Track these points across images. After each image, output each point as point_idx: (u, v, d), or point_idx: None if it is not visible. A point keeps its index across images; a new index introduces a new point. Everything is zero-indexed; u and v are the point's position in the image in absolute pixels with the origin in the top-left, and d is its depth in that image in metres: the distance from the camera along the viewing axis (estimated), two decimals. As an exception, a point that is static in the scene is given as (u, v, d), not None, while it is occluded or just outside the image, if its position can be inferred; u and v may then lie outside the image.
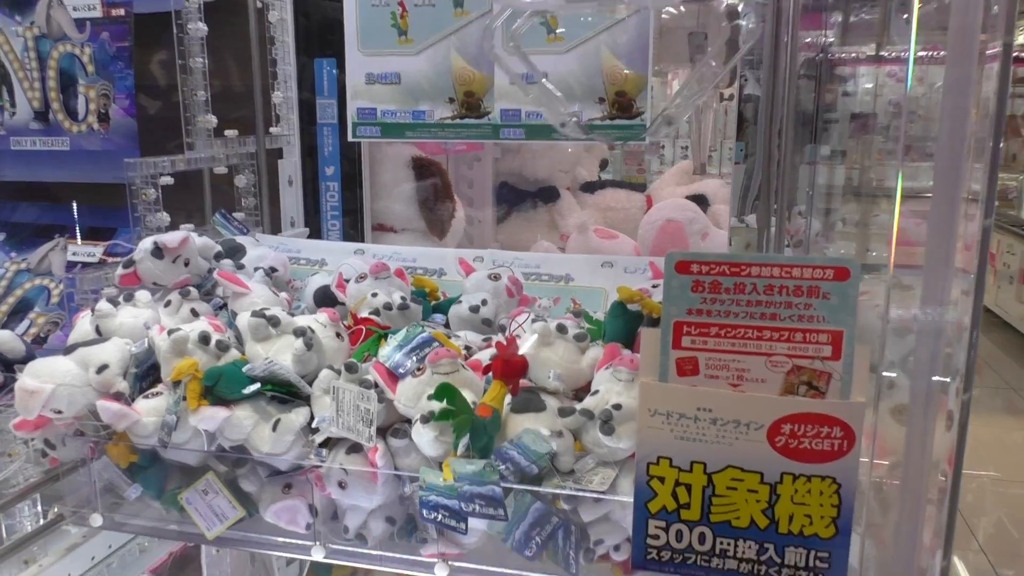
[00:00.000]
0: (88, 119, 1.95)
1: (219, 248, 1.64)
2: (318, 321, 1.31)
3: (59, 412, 1.26)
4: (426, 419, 1.11)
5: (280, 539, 1.25)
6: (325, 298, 1.61)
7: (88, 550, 1.44)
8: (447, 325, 1.57)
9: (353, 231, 2.22)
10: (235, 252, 1.72)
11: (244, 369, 1.22)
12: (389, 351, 1.23)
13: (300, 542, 1.24)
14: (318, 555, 1.21)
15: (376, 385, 1.19)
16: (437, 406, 1.12)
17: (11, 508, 1.34)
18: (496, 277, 1.60)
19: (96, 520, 1.31)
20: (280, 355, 1.25)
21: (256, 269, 1.65)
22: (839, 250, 1.74)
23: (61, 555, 1.39)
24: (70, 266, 1.98)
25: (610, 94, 1.64)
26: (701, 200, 2.76)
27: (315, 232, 2.19)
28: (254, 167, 1.94)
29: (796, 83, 1.83)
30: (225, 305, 1.55)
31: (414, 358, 1.21)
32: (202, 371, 1.22)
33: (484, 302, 1.54)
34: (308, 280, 1.70)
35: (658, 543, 0.79)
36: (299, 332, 1.25)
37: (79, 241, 2.02)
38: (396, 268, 1.60)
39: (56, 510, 1.34)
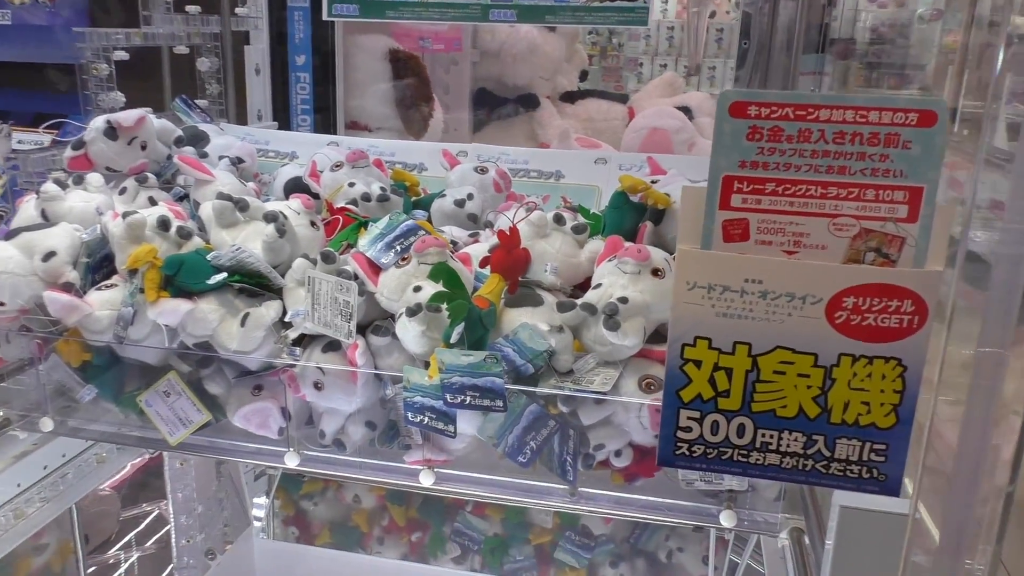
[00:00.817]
0: (31, -10, 1.75)
1: (180, 132, 1.50)
2: (291, 208, 1.19)
3: (0, 304, 1.14)
4: (413, 311, 1.00)
5: (250, 445, 1.15)
6: (296, 189, 1.48)
7: (39, 458, 1.33)
8: (429, 221, 1.45)
9: (325, 128, 2.07)
10: (198, 140, 1.58)
11: (209, 257, 1.10)
12: (370, 240, 1.12)
13: (272, 448, 1.14)
14: (292, 462, 1.12)
15: (356, 277, 1.08)
16: (425, 297, 1.01)
17: (-51, 410, 1.23)
18: (483, 170, 1.47)
19: (46, 425, 1.20)
20: (249, 243, 1.13)
21: (221, 158, 1.51)
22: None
23: (8, 463, 1.29)
24: (15, 155, 1.82)
25: (611, -29, 1.49)
26: (686, 112, 2.66)
27: (284, 128, 2.03)
28: (219, 50, 1.77)
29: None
30: (187, 196, 1.41)
31: (398, 247, 1.10)
32: (161, 259, 1.10)
33: (470, 196, 1.42)
34: (278, 172, 1.56)
35: (690, 436, 0.70)
36: (270, 217, 1.12)
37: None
38: (374, 159, 1.47)
39: (1, 414, 1.23)
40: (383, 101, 2.16)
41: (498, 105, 2.80)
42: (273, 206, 1.18)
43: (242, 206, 1.14)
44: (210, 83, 1.79)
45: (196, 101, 1.75)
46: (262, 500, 2.05)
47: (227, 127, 1.71)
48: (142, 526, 3.06)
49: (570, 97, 2.90)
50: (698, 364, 0.68)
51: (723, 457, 0.70)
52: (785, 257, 0.65)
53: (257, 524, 2.02)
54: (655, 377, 1.01)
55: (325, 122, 2.07)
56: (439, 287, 0.99)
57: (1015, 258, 0.64)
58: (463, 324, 0.96)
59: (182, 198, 1.42)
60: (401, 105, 2.19)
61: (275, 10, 1.93)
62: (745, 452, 0.69)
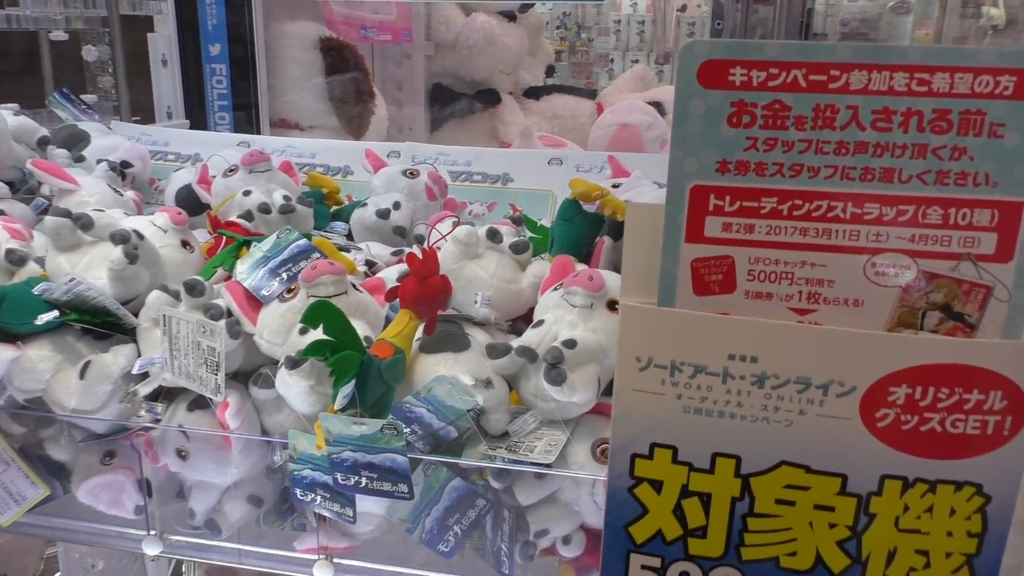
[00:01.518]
0: None
1: (45, 132, 1.24)
2: (154, 224, 0.94)
3: None
4: (294, 362, 0.76)
5: (102, 527, 0.90)
6: (189, 200, 1.23)
7: None
8: (350, 236, 1.21)
9: (248, 127, 1.82)
10: (75, 141, 1.33)
11: (37, 290, 0.85)
12: (250, 266, 0.88)
13: (127, 531, 0.89)
14: (152, 549, 0.87)
15: (229, 313, 0.83)
16: (309, 339, 0.77)
17: None
18: (414, 174, 1.23)
19: None
20: (93, 270, 0.88)
21: (99, 162, 1.26)
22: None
23: None
24: None
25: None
26: (657, 107, 2.51)
27: (200, 127, 1.78)
28: (108, 37, 1.51)
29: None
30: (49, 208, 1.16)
31: (283, 275, 0.86)
32: (-22, 293, 0.85)
33: (396, 205, 1.18)
34: (171, 177, 1.32)
35: (646, 595, 0.46)
36: (119, 238, 0.87)
37: None
38: (283, 161, 1.23)
39: None
40: (315, 96, 1.92)
41: (456, 101, 2.65)
42: (132, 222, 0.93)
43: (84, 223, 0.89)
44: (101, 75, 1.54)
45: (83, 96, 1.49)
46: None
47: (117, 126, 1.46)
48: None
49: (535, 93, 2.80)
50: (657, 487, 0.44)
51: None
52: (795, 318, 0.41)
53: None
54: (613, 441, 0.78)
55: (248, 120, 1.82)
56: (318, 334, 0.75)
57: None
58: (352, 383, 0.72)
59: (44, 211, 1.17)
60: (336, 100, 1.95)
61: (183, -8, 1.68)
62: None
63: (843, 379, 0.41)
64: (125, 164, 1.30)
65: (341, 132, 1.97)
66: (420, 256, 0.81)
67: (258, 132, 1.81)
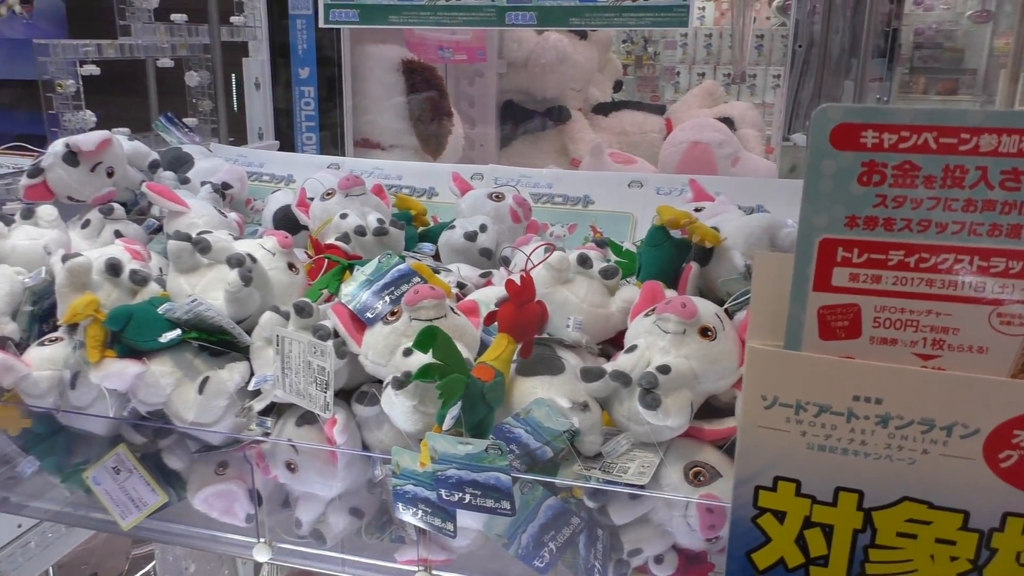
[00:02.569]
0: (8, 1, 1.60)
1: (155, 156, 1.32)
2: (264, 247, 1.00)
3: (-72, 362, 0.96)
4: (400, 383, 0.80)
5: (215, 533, 0.96)
6: (288, 220, 1.30)
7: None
8: (437, 256, 1.26)
9: (333, 147, 1.89)
10: (180, 163, 1.41)
11: (161, 310, 0.91)
12: (355, 288, 0.92)
13: (239, 538, 0.95)
14: (262, 556, 0.93)
15: (336, 334, 0.88)
16: (418, 363, 0.81)
17: None
18: (499, 197, 1.28)
19: (-18, 501, 1.02)
20: (210, 291, 0.94)
21: (204, 184, 1.33)
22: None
23: (-49, 539, 1.11)
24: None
25: (648, -34, 1.29)
26: (727, 123, 2.49)
27: (288, 147, 1.86)
28: (210, 63, 1.60)
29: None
30: (161, 228, 1.24)
31: (387, 298, 0.90)
32: (105, 311, 0.91)
33: (483, 228, 1.22)
34: (268, 198, 1.38)
35: (765, 621, 0.49)
36: (234, 261, 0.93)
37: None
38: (374, 184, 1.28)
39: (-66, 487, 1.05)
40: (396, 116, 1.98)
41: (526, 118, 2.68)
42: (242, 245, 0.99)
43: (203, 247, 0.95)
44: (201, 99, 1.62)
45: (184, 119, 1.58)
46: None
47: (217, 148, 1.54)
48: (152, 565, 2.92)
49: (603, 109, 2.79)
50: (780, 517, 0.47)
51: None
52: (920, 364, 0.43)
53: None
54: (705, 465, 0.80)
55: (332, 140, 1.90)
56: (428, 358, 0.79)
57: None
58: (460, 404, 0.76)
59: (156, 231, 1.25)
60: (416, 121, 2.01)
61: (276, 19, 1.76)
62: None
63: (967, 421, 0.43)
64: (226, 185, 1.38)
65: (420, 151, 2.02)
66: (518, 283, 0.85)
67: (342, 151, 1.88)
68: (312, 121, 1.85)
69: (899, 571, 0.46)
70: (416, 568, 0.88)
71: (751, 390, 0.46)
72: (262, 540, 0.93)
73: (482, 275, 1.14)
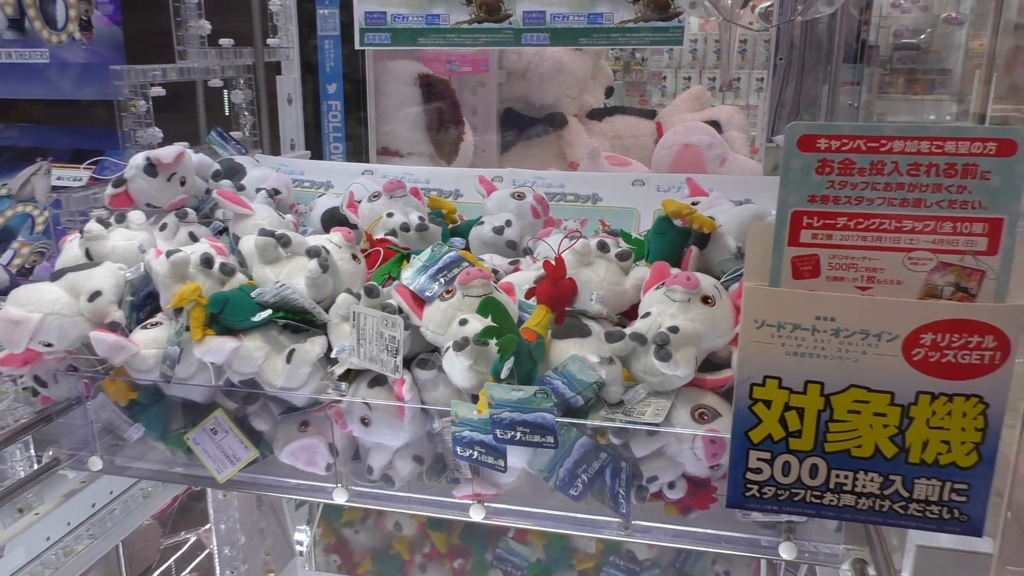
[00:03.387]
0: (69, 27, 1.77)
1: (217, 167, 1.50)
2: (332, 242, 1.18)
3: (49, 345, 1.14)
4: (460, 346, 0.99)
5: (298, 481, 1.14)
6: (334, 220, 1.48)
7: (88, 496, 1.34)
8: (467, 249, 1.44)
9: (357, 155, 2.08)
10: (234, 172, 1.59)
11: (253, 294, 1.10)
12: (413, 273, 1.11)
13: (321, 484, 1.13)
14: (340, 498, 1.11)
15: (400, 310, 1.07)
16: (471, 331, 1.00)
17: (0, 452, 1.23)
18: (520, 196, 1.46)
19: (96, 464, 1.20)
20: (292, 278, 1.13)
21: (258, 190, 1.51)
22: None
23: (59, 502, 1.29)
24: (55, 191, 1.84)
25: (645, -9, 1.48)
26: (715, 126, 2.64)
27: (316, 156, 2.04)
28: (252, 82, 1.78)
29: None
30: (226, 230, 1.42)
31: (441, 280, 1.09)
32: (206, 297, 1.10)
33: (508, 223, 1.41)
34: (314, 203, 1.56)
35: (760, 477, 0.68)
36: (313, 252, 1.12)
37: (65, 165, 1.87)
38: (411, 187, 1.47)
39: (51, 454, 1.23)
40: (414, 126, 2.16)
41: (525, 125, 2.79)
42: (315, 240, 1.18)
43: (284, 242, 1.14)
44: (243, 114, 1.80)
45: (231, 133, 1.76)
46: (304, 528, 2.05)
47: (262, 158, 1.72)
48: (181, 552, 3.07)
49: (597, 114, 2.88)
50: (768, 404, 0.66)
51: (795, 499, 0.68)
52: (859, 293, 0.63)
53: (300, 554, 2.01)
54: (708, 407, 0.99)
55: (356, 149, 2.08)
56: (487, 321, 0.98)
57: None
58: (513, 359, 0.95)
59: (221, 232, 1.43)
60: (431, 129, 2.19)
61: (306, 40, 1.94)
62: (818, 493, 0.67)
63: (890, 330, 0.63)
64: (275, 191, 1.55)
65: (435, 158, 2.21)
66: (553, 264, 1.03)
67: (367, 159, 2.06)
68: (339, 132, 2.03)
69: (849, 437, 0.65)
70: (471, 501, 1.07)
71: (747, 315, 0.66)
72: (340, 485, 1.12)
73: (511, 263, 1.32)
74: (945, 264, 0.61)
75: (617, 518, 1.04)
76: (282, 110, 1.95)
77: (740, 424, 0.68)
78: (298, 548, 2.05)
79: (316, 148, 2.05)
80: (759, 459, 0.68)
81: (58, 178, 1.81)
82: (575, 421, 0.99)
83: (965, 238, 0.61)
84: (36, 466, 1.26)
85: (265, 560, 1.97)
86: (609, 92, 3.32)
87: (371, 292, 1.08)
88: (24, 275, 1.72)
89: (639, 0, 1.49)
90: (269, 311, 1.08)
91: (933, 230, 0.62)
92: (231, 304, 1.10)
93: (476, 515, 1.07)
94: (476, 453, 1.01)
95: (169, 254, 1.12)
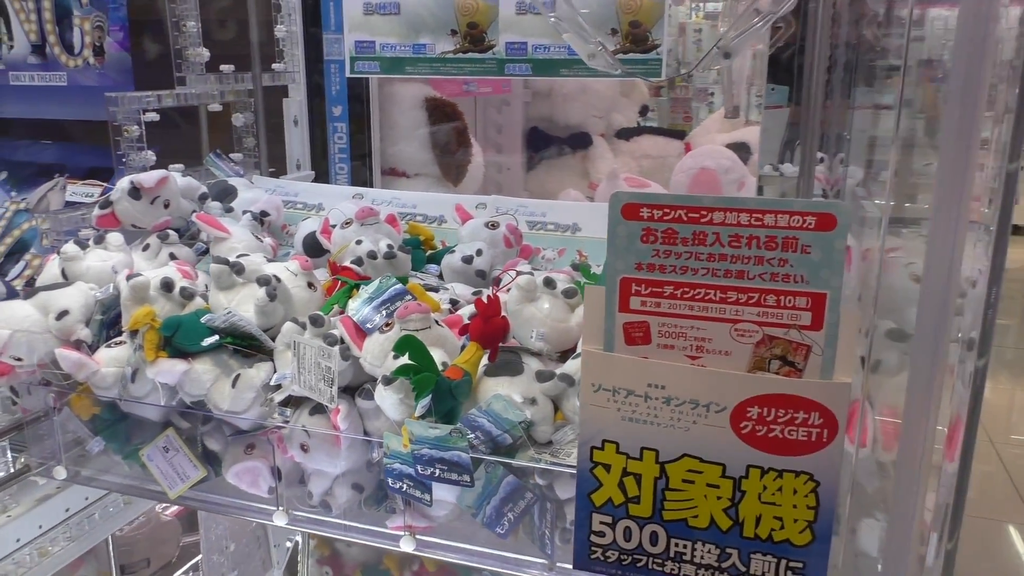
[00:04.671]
0: (84, 53, 1.86)
1: (204, 189, 1.55)
2: (288, 269, 1.21)
3: (19, 359, 1.19)
4: (388, 380, 1.00)
5: (244, 502, 1.17)
6: (314, 245, 1.51)
7: (61, 501, 1.39)
8: (441, 277, 1.46)
9: (362, 176, 2.12)
10: (225, 194, 1.63)
11: (203, 319, 1.13)
12: (358, 304, 1.13)
13: (263, 506, 1.16)
14: (280, 520, 1.13)
15: (342, 341, 1.09)
16: (400, 363, 1.02)
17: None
18: (494, 225, 1.47)
19: (60, 473, 1.25)
20: (243, 305, 1.16)
21: (245, 212, 1.55)
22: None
23: (31, 506, 1.34)
24: (69, 207, 1.92)
25: (623, 24, 1.48)
26: (743, 148, 2.61)
27: (323, 176, 2.09)
28: (252, 106, 1.83)
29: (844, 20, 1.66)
30: (208, 251, 1.46)
31: (383, 312, 1.11)
32: (159, 320, 1.14)
33: (479, 252, 1.42)
34: (299, 225, 1.60)
35: (604, 541, 0.68)
36: (262, 281, 1.15)
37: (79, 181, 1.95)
38: (388, 214, 1.49)
39: (22, 460, 1.29)
40: (420, 148, 2.19)
41: (550, 145, 2.80)
42: (270, 268, 1.21)
43: (238, 269, 1.17)
44: (245, 137, 1.86)
45: (232, 154, 1.82)
46: (297, 538, 2.09)
47: (258, 180, 1.77)
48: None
49: (626, 134, 2.87)
50: (607, 468, 0.66)
51: (638, 564, 0.68)
52: (688, 362, 0.62)
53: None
54: (633, 451, 0.98)
55: (362, 170, 2.12)
56: (404, 359, 0.99)
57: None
58: (429, 397, 0.96)
59: (204, 253, 1.47)
60: (438, 151, 2.22)
61: (313, 63, 1.99)
62: (660, 561, 0.67)
63: (718, 402, 0.62)
64: (264, 214, 1.59)
65: (443, 179, 2.23)
66: (486, 301, 1.04)
67: (371, 180, 2.10)
68: (344, 153, 2.07)
69: (685, 507, 0.64)
70: (402, 532, 1.08)
71: (586, 379, 0.65)
72: (281, 508, 1.14)
73: (473, 293, 1.34)
74: (771, 337, 0.60)
75: (542, 559, 1.04)
76: (288, 132, 2.00)
77: (583, 486, 0.67)
78: (276, 565, 2.09)
79: (323, 167, 2.09)
80: (602, 522, 0.68)
81: (72, 194, 1.89)
82: (500, 460, 1.00)
83: (789, 311, 0.60)
84: (11, 470, 1.33)
85: (256, 569, 2.02)
86: (644, 111, 3.30)
87: (316, 322, 1.10)
88: (31, 286, 1.80)
89: (618, 32, 1.49)
90: (216, 337, 1.12)
91: (757, 302, 0.60)
92: (183, 328, 1.13)
93: (406, 546, 1.08)
94: (405, 486, 1.02)
95: (130, 278, 1.17)
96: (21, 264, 1.87)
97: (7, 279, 1.82)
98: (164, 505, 2.34)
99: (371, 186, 2.08)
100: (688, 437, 0.63)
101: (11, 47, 1.95)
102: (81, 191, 1.91)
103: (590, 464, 0.67)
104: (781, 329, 0.60)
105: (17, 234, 1.92)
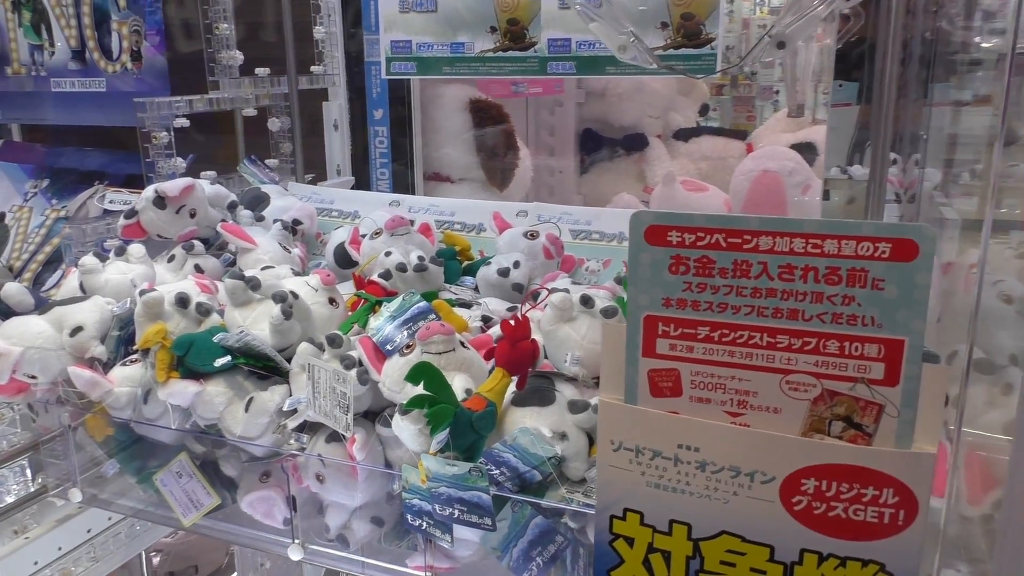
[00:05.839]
0: (122, 58, 1.83)
1: (233, 197, 1.49)
2: (308, 284, 1.14)
3: (34, 377, 1.15)
4: (404, 410, 0.91)
5: (259, 533, 1.10)
6: (344, 256, 1.44)
7: (83, 522, 1.34)
8: (477, 290, 1.37)
9: (403, 180, 2.04)
10: (258, 202, 1.58)
11: (216, 339, 1.06)
12: (380, 323, 1.05)
13: (277, 538, 1.08)
14: (295, 555, 1.06)
15: (360, 363, 1.01)
16: (420, 390, 0.93)
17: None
18: (533, 235, 1.38)
19: (75, 495, 1.20)
20: (259, 323, 1.09)
21: (275, 221, 1.49)
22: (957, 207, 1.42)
23: (51, 527, 1.30)
24: (106, 215, 1.89)
25: (675, 17, 1.36)
26: (808, 148, 2.46)
27: (364, 181, 2.02)
28: (289, 110, 1.77)
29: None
30: (236, 262, 1.40)
31: (406, 332, 1.02)
32: (171, 339, 1.07)
33: (516, 264, 1.32)
34: (331, 234, 1.53)
35: (627, 627, 0.57)
36: (278, 298, 1.07)
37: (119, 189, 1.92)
38: (422, 223, 1.41)
39: (40, 481, 1.24)
40: (464, 151, 2.11)
41: (604, 146, 2.71)
42: (291, 283, 1.13)
43: (254, 285, 1.10)
44: (282, 142, 1.80)
45: (268, 160, 1.76)
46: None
47: (293, 186, 1.71)
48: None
49: (684, 135, 2.76)
50: (630, 542, 0.55)
51: None
52: (728, 420, 0.51)
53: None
54: (676, 493, 0.87)
55: (404, 175, 2.04)
56: (419, 389, 0.90)
57: None
58: (447, 431, 0.87)
59: (231, 264, 1.41)
60: (483, 156, 2.13)
61: (352, 67, 1.93)
62: None
63: (765, 470, 0.50)
64: (296, 222, 1.53)
65: (488, 184, 2.14)
66: (512, 323, 0.95)
67: (412, 185, 2.02)
68: (385, 158, 2.00)
69: None
70: (423, 573, 0.99)
71: (603, 435, 0.55)
72: (296, 541, 1.07)
73: (508, 309, 1.24)
74: (832, 392, 0.48)
75: (575, 608, 0.93)
76: (328, 136, 1.94)
77: (602, 561, 0.57)
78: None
79: (364, 172, 2.03)
80: (624, 605, 0.57)
81: (110, 202, 1.86)
82: (529, 499, 0.90)
83: (856, 361, 0.48)
84: (31, 490, 1.28)
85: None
86: (704, 110, 3.18)
87: (333, 342, 1.02)
88: (66, 295, 1.77)
89: (669, 25, 1.37)
90: (228, 357, 1.05)
91: (815, 349, 0.49)
92: (196, 347, 1.07)
93: (427, 589, 0.99)
94: (425, 524, 0.93)
95: (143, 293, 1.10)
96: (59, 273, 1.85)
97: (44, 288, 1.79)
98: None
99: (413, 192, 2.00)
100: (727, 511, 0.52)
101: (52, 53, 1.93)
102: (120, 198, 1.87)
103: (609, 536, 0.56)
104: (845, 383, 0.49)
105: (56, 242, 1.90)
